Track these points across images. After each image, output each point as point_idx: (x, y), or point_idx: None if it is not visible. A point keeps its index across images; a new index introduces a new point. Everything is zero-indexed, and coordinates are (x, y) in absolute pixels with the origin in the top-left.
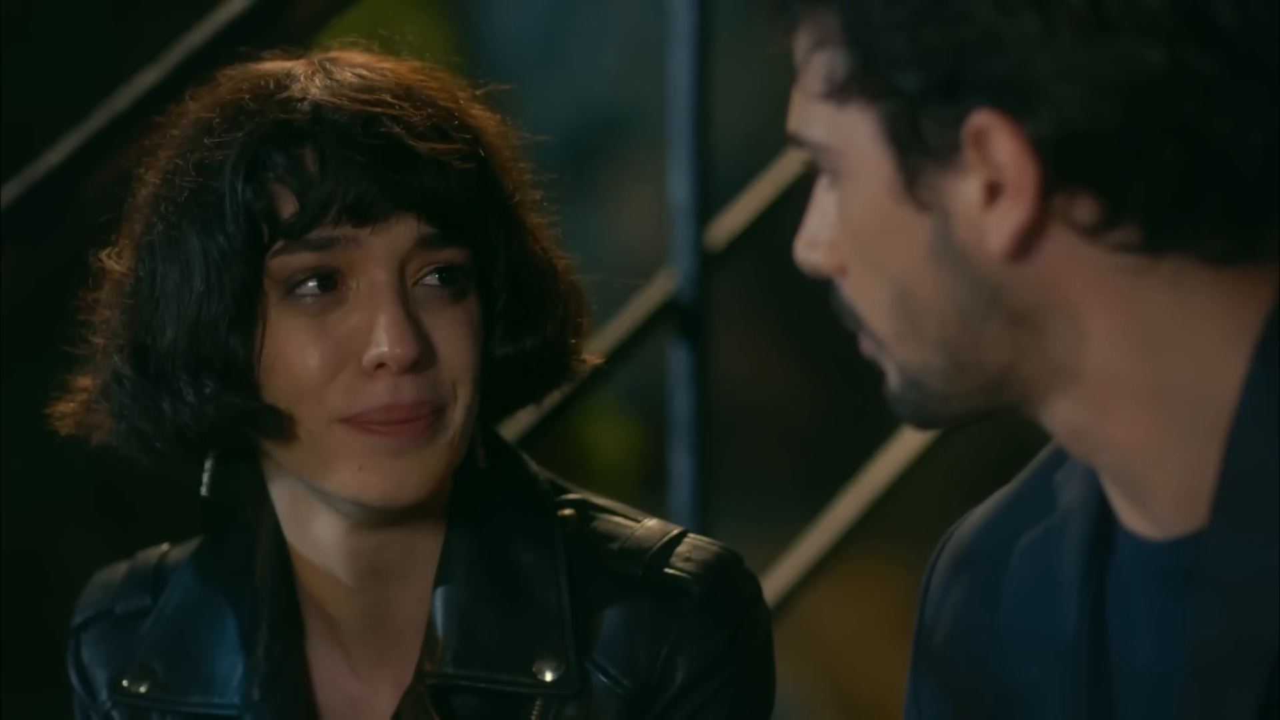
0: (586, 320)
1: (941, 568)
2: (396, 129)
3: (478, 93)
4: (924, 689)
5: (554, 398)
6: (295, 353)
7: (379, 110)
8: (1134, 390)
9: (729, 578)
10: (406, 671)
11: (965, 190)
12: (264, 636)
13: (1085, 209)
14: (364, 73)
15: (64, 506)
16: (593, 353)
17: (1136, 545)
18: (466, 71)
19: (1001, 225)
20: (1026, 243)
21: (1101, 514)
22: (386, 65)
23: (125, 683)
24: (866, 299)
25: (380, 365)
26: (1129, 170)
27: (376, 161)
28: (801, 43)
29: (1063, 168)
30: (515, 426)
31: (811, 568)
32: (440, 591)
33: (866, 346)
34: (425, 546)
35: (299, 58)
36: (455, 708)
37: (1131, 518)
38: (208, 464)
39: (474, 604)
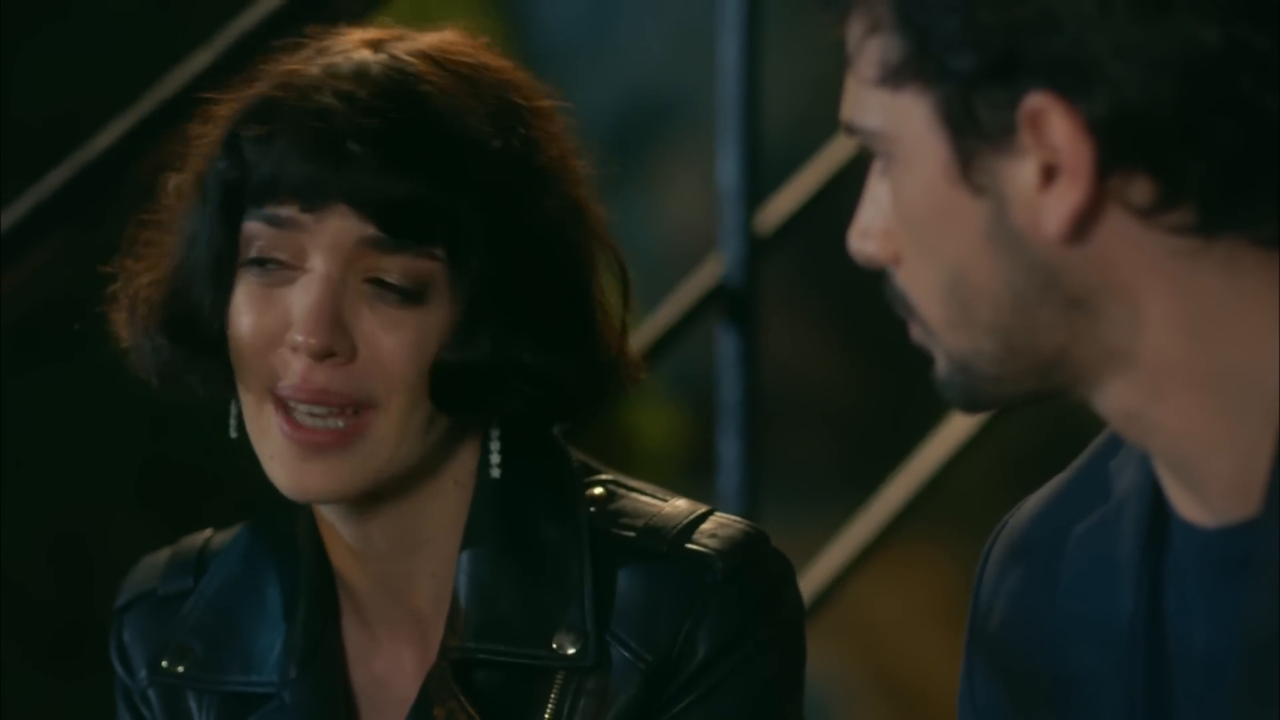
0: (624, 367)
1: (996, 555)
2: (353, 123)
3: (539, 101)
4: (978, 676)
5: None
6: (239, 316)
7: (341, 104)
8: (1187, 375)
9: (753, 554)
10: (429, 651)
11: (1021, 173)
12: (302, 612)
13: (1141, 190)
14: (379, 55)
15: (109, 493)
16: (639, 340)
17: (1191, 532)
18: (514, 59)
19: (1058, 207)
20: (1083, 225)
21: (1157, 501)
22: (435, 50)
23: (164, 663)
24: (919, 285)
25: (297, 347)
26: (1185, 150)
27: (322, 151)
28: (854, 30)
29: (1119, 148)
30: None
31: (859, 553)
32: (464, 566)
33: (916, 333)
34: (429, 525)
35: (382, 29)
36: (478, 681)
37: (1185, 505)
38: (234, 408)
39: (496, 578)
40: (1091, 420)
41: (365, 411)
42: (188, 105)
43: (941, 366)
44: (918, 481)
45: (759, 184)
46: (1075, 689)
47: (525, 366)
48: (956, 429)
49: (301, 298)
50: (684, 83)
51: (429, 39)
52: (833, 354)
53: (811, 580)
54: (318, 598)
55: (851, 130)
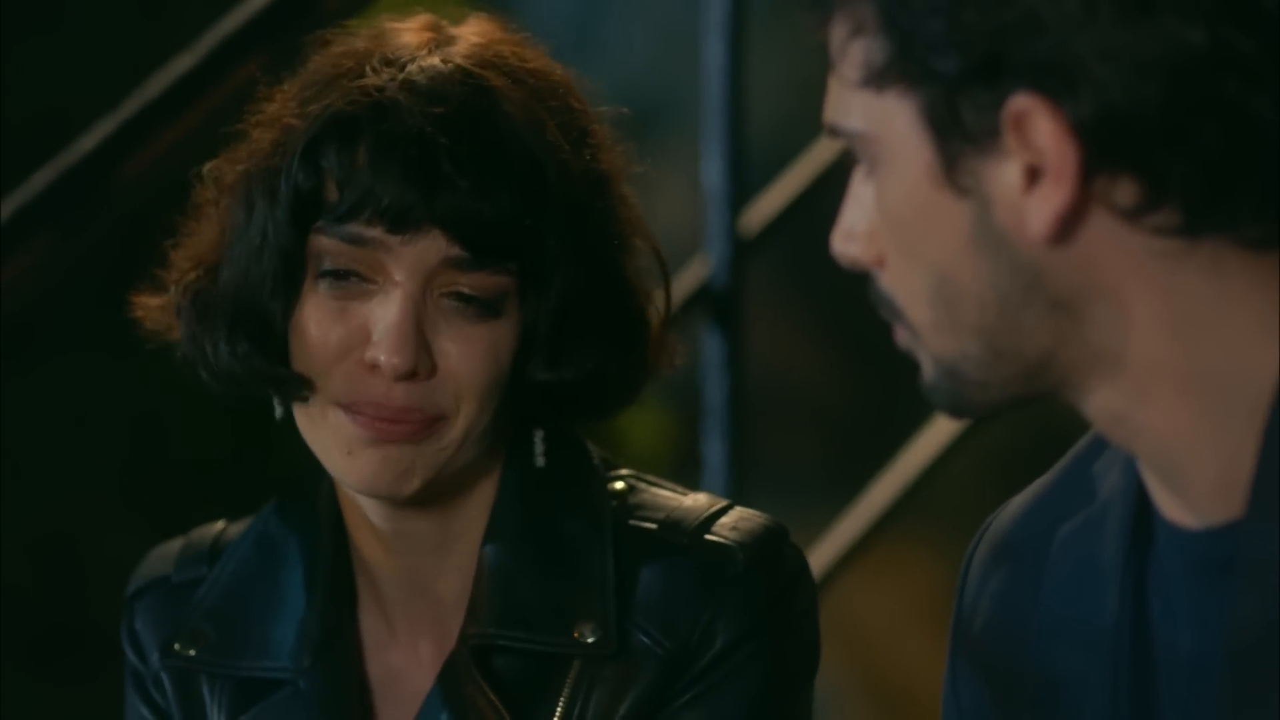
0: (663, 357)
1: (980, 557)
2: (444, 146)
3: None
4: (962, 678)
5: None
6: (312, 327)
7: (429, 127)
8: (1172, 377)
9: (773, 547)
10: (447, 643)
11: (1005, 174)
12: (319, 601)
13: (1126, 191)
14: (450, 67)
15: (100, 497)
16: None
17: (1175, 535)
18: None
19: (1042, 208)
20: (1067, 226)
21: (1141, 503)
22: (496, 57)
23: (177, 646)
24: (904, 288)
25: (376, 365)
26: (1169, 151)
27: (414, 175)
28: (838, 32)
29: (1104, 149)
30: None
31: (845, 554)
32: (485, 556)
33: (902, 337)
34: (463, 520)
35: (424, 22)
36: (496, 668)
37: (1170, 507)
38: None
39: (518, 568)
40: (1076, 422)
41: (436, 420)
42: (172, 108)
43: (928, 371)
44: (903, 482)
45: (744, 186)
46: (1059, 691)
47: (610, 376)
48: (942, 430)
49: (383, 316)
50: (669, 85)
51: (475, 36)
52: (818, 355)
53: None
54: (335, 587)
55: (835, 132)
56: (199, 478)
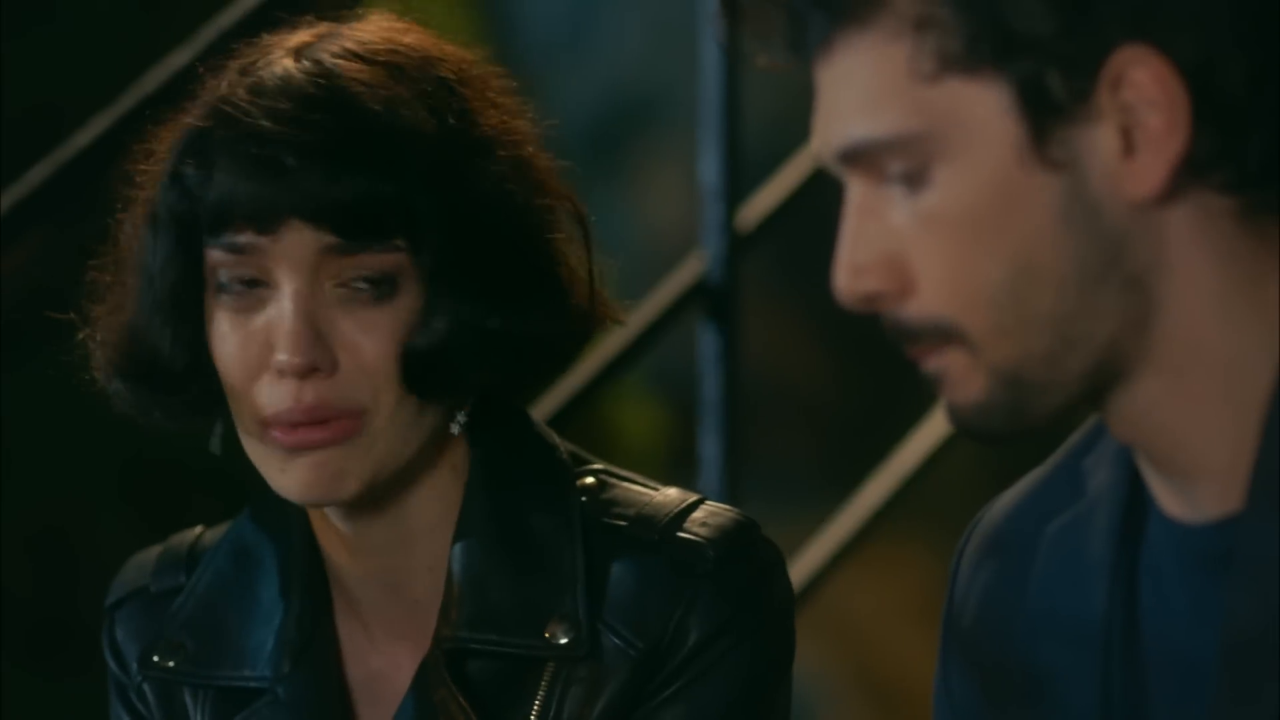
0: (598, 313)
1: (970, 552)
2: (288, 139)
3: (488, 75)
4: (953, 672)
5: (580, 378)
6: (222, 347)
7: (271, 124)
8: (1206, 360)
9: (744, 542)
10: (425, 645)
11: (1103, 139)
12: (295, 607)
13: (1206, 141)
14: (303, 64)
15: (93, 491)
16: (619, 335)
17: (1172, 529)
18: (494, 55)
19: (1152, 165)
20: (1174, 181)
21: (1132, 499)
22: (360, 45)
23: (155, 658)
24: (957, 298)
25: (283, 370)
26: (1253, 93)
27: (264, 173)
28: (879, 36)
29: (1201, 94)
30: (543, 408)
31: (839, 551)
32: (456, 557)
33: (948, 361)
34: (423, 519)
35: (307, 29)
36: (470, 672)
37: (1169, 501)
38: (217, 427)
39: (488, 569)
40: (1068, 418)
41: (356, 416)
42: (169, 102)
43: (978, 391)
44: (897, 479)
45: (740, 181)
46: (1048, 686)
47: (492, 334)
48: (936, 427)
49: (277, 318)
50: (665, 80)
51: (353, 32)
52: (813, 351)
53: (792, 577)
54: (311, 593)
55: (854, 154)
56: (195, 473)
